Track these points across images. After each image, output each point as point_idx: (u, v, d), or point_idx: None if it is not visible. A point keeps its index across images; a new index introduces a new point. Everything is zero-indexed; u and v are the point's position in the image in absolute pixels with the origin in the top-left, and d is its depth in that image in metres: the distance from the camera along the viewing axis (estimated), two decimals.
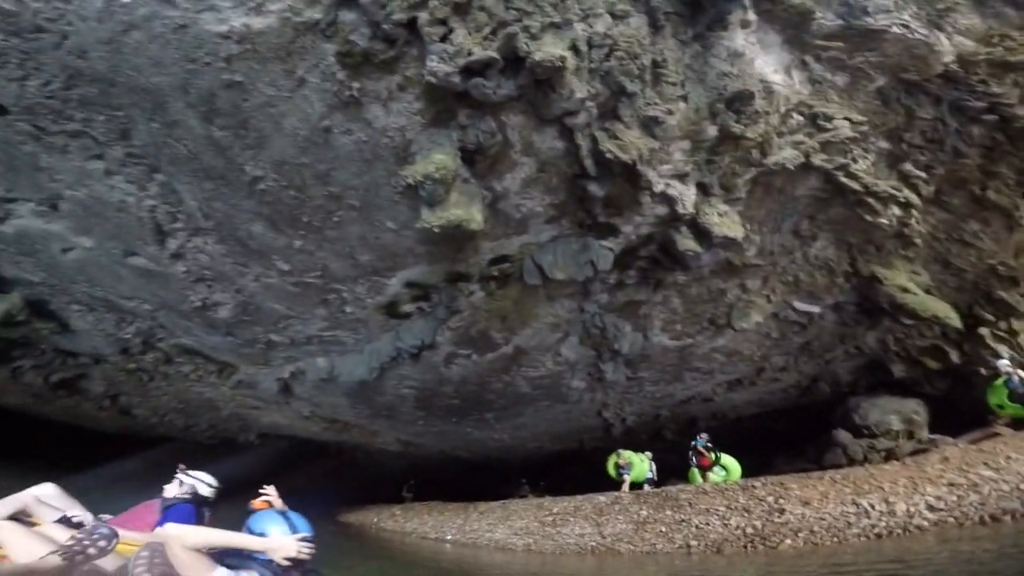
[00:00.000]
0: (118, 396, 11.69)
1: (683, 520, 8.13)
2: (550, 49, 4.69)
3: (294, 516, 2.56)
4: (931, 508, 6.85)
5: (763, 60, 6.17)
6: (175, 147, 6.27)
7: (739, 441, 11.73)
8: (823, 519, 7.14)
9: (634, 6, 5.45)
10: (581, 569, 7.73)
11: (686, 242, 6.74)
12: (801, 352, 10.30)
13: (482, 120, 5.43)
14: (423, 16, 4.74)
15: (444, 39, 4.83)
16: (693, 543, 7.74)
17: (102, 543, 2.22)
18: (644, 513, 8.69)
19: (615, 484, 11.36)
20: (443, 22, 4.81)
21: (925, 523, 6.74)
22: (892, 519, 6.88)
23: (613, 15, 5.33)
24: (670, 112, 5.58)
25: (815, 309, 9.07)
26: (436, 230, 5.86)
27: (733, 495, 8.15)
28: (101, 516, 3.61)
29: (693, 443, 10.97)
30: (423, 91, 5.23)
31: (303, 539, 2.35)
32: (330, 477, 19.57)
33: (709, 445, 10.91)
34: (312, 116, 5.74)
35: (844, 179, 6.82)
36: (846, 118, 6.66)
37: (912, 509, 6.90)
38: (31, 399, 11.88)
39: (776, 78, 6.30)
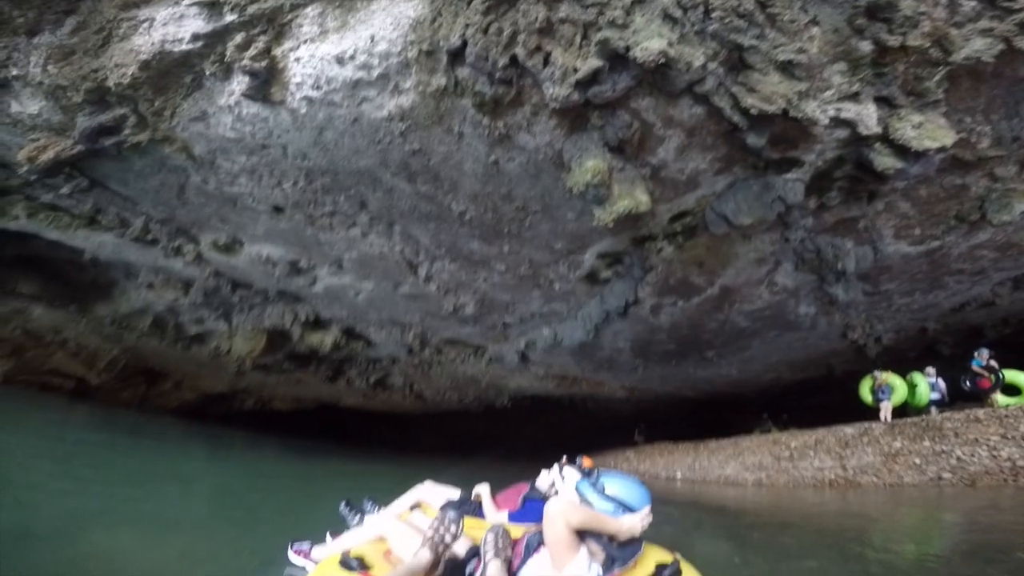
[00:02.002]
0: (413, 385, 16.12)
1: (943, 452, 7.43)
2: (647, 44, 4.63)
3: (645, 489, 2.36)
4: None
5: None
6: (398, 205, 8.40)
7: None
8: None
9: None
10: (821, 501, 7.65)
11: (884, 160, 5.66)
12: None
13: (614, 116, 5.73)
14: (519, 52, 5.26)
15: (547, 64, 5.27)
16: (947, 475, 7.19)
17: (453, 528, 2.24)
18: (897, 444, 8.02)
19: (873, 412, 10.17)
20: (538, 49, 5.23)
21: None
22: None
23: None
24: (802, 50, 4.78)
25: None
26: (611, 224, 6.46)
27: (1015, 423, 6.98)
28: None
29: (969, 363, 9.21)
30: (552, 112, 5.83)
31: (647, 513, 2.25)
32: (568, 427, 21.74)
33: (991, 364, 8.98)
34: (480, 156, 7.00)
35: None
36: None
37: None
38: (361, 399, 17.41)
39: None
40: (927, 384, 9.96)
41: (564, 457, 3.70)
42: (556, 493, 3.43)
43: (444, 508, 3.34)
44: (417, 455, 17.41)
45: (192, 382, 17.04)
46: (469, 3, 5.25)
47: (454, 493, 3.68)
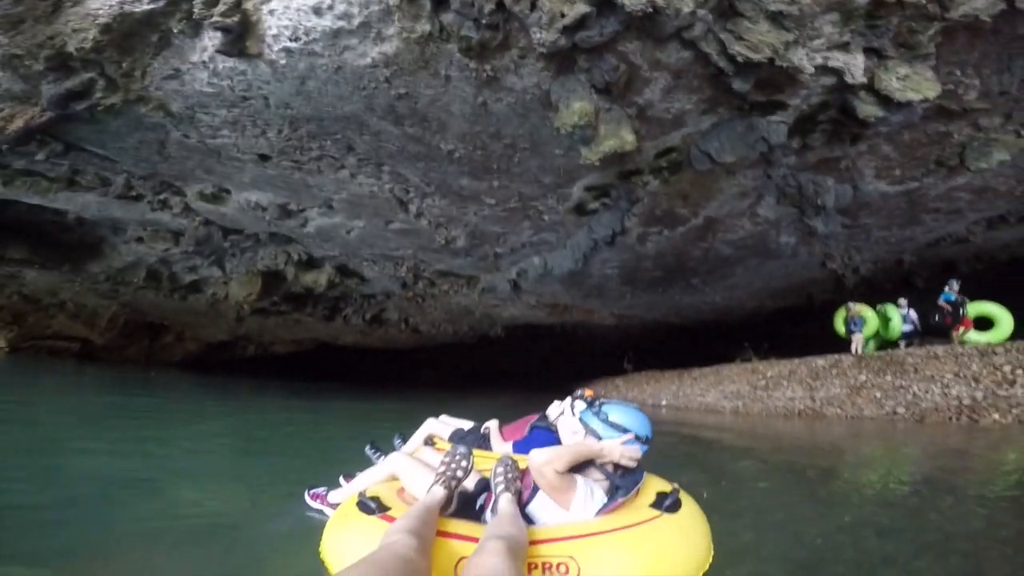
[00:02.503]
0: (408, 319, 16.74)
1: (902, 387, 7.74)
2: None
3: (646, 418, 2.35)
4: None
5: None
6: (386, 146, 8.43)
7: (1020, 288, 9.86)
8: None
9: None
10: (789, 429, 8.10)
11: (866, 108, 5.89)
12: None
13: (601, 59, 5.78)
14: None
15: (534, 8, 5.20)
16: (900, 411, 7.43)
17: (464, 463, 2.20)
18: (863, 378, 8.42)
19: (847, 343, 10.71)
20: None
21: None
22: None
23: None
24: (795, 1, 4.82)
25: None
26: (597, 163, 6.72)
27: (967, 361, 7.45)
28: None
29: (939, 297, 9.59)
30: (539, 56, 5.83)
31: (635, 443, 2.23)
32: (560, 356, 22.40)
33: (958, 299, 9.33)
34: (468, 98, 7.02)
35: None
36: None
37: None
38: (359, 336, 18.01)
39: None
40: (899, 317, 10.46)
41: (578, 391, 3.62)
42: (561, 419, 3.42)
43: (454, 441, 3.55)
44: (418, 390, 17.94)
45: (193, 333, 17.47)
46: None
47: (465, 424, 3.79)
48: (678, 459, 5.36)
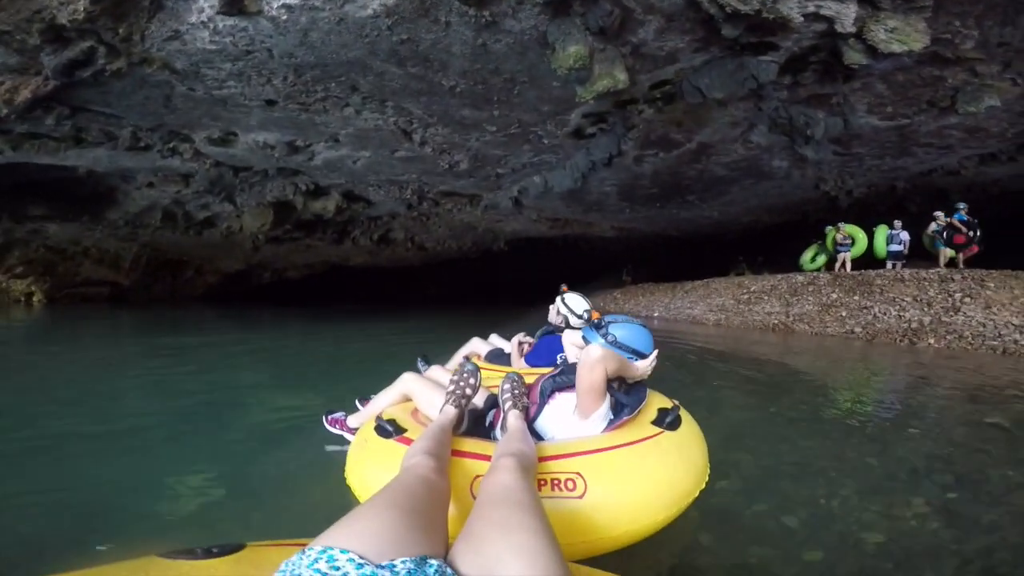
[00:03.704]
0: (413, 237, 17.33)
1: (865, 307, 7.90)
2: None
3: (649, 333, 2.30)
4: None
5: None
6: (390, 84, 8.62)
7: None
8: (983, 325, 6.47)
9: None
10: (761, 340, 8.34)
11: (853, 55, 6.12)
12: None
13: (596, 4, 5.97)
14: None
15: None
16: (858, 330, 7.53)
17: (472, 380, 2.20)
18: (834, 296, 8.63)
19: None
20: None
21: None
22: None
23: None
24: None
25: None
26: (592, 100, 7.10)
27: (926, 285, 7.62)
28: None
29: (953, 217, 9.40)
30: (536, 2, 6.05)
31: (654, 357, 2.23)
32: (562, 267, 21.91)
33: (971, 220, 9.14)
34: (468, 39, 7.17)
35: None
36: None
37: None
38: (367, 256, 18.62)
39: None
40: (884, 237, 10.67)
41: (563, 286, 3.88)
42: (566, 323, 3.58)
43: (490, 360, 3.77)
44: (426, 307, 18.22)
45: (212, 266, 18.26)
46: None
47: (507, 345, 3.92)
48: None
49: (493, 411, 2.34)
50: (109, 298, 16.28)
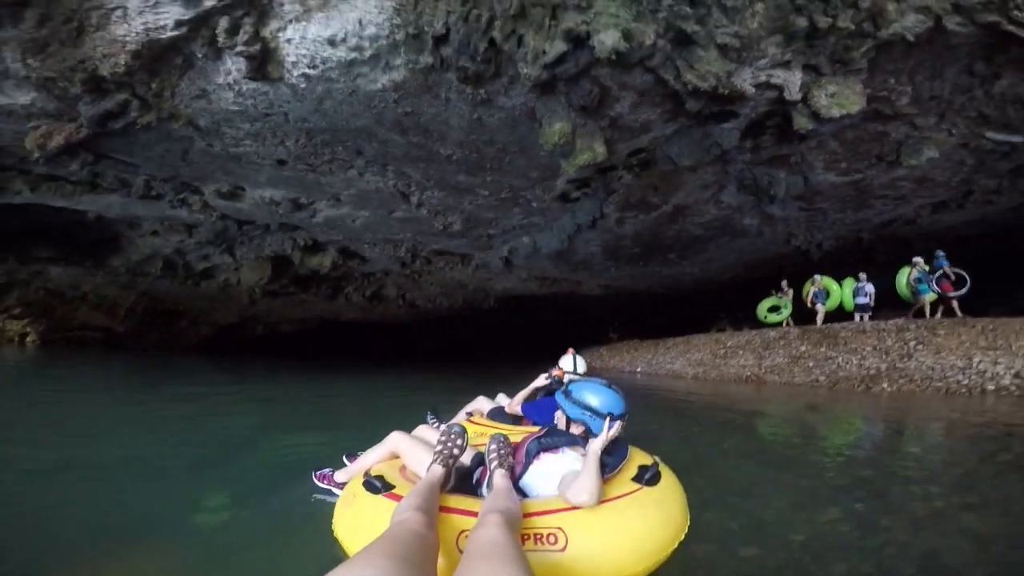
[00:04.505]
0: (405, 294, 17.85)
1: (830, 357, 8.42)
2: (603, 38, 5.57)
3: (614, 394, 2.40)
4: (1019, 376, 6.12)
5: None
6: (392, 151, 9.42)
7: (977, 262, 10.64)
8: (932, 368, 7.01)
9: None
10: (737, 391, 8.85)
11: (801, 120, 6.96)
12: (1016, 175, 9.07)
13: (577, 85, 6.80)
14: (497, 36, 6.11)
15: (520, 45, 6.14)
16: (822, 379, 8.10)
17: (459, 441, 2.26)
18: (803, 348, 9.18)
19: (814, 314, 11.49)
20: (512, 32, 6.07)
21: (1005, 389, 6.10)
22: (976, 378, 6.47)
23: None
24: (738, 35, 5.76)
25: (1016, 138, 7.81)
26: (574, 172, 7.83)
27: (884, 336, 8.15)
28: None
29: (938, 265, 9.76)
30: (526, 82, 6.91)
31: (614, 424, 2.24)
32: (550, 326, 23.05)
33: (954, 270, 9.39)
34: (465, 114, 8.03)
35: (1010, 27, 5.70)
36: None
37: (995, 372, 6.44)
38: (359, 312, 19.06)
39: None
40: (851, 290, 11.17)
41: (570, 349, 4.01)
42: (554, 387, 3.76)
43: (492, 417, 3.93)
44: (417, 364, 18.59)
45: (207, 317, 18.47)
46: None
47: (503, 401, 4.15)
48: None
49: (480, 468, 2.42)
50: (103, 343, 16.33)
